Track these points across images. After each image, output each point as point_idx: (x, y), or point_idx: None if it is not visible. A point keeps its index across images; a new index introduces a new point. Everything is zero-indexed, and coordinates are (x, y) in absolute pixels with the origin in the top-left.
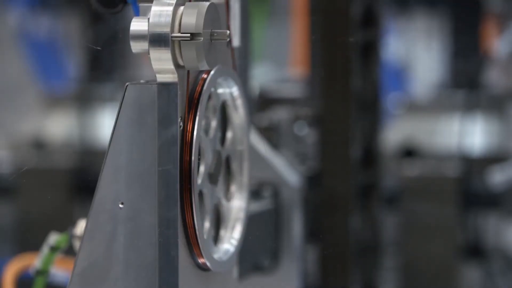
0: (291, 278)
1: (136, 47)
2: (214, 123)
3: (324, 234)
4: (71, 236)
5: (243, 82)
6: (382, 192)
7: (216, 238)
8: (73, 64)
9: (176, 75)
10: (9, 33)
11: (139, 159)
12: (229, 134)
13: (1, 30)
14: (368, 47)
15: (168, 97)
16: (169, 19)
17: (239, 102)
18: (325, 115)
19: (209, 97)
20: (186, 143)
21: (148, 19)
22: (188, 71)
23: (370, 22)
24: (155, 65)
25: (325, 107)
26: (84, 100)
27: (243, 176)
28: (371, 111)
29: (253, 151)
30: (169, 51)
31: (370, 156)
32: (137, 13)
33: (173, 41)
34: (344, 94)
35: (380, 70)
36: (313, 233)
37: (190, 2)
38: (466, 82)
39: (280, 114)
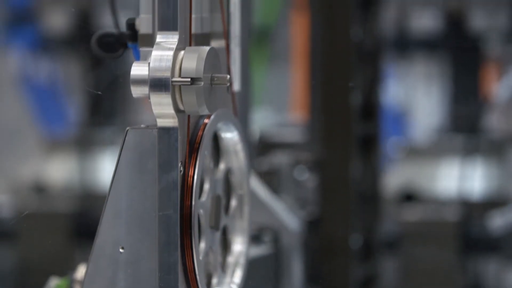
0: None
1: (137, 91)
2: (214, 167)
3: (324, 279)
4: (72, 281)
5: (244, 126)
6: (382, 236)
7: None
8: (74, 108)
9: (176, 120)
10: (10, 77)
11: (140, 203)
12: (230, 179)
13: (2, 74)
14: (367, 90)
15: (169, 142)
16: (170, 63)
17: (240, 146)
18: (325, 160)
19: (210, 142)
20: (186, 188)
21: (149, 63)
22: (189, 116)
23: (369, 65)
24: (156, 110)
25: (325, 152)
26: (84, 144)
27: (243, 221)
28: (371, 156)
29: (253, 195)
30: (170, 96)
31: (370, 200)
32: (138, 58)
33: (173, 86)
34: (344, 139)
35: (380, 113)
36: (313, 278)
37: (190, 47)
38: (465, 127)
39: (280, 159)
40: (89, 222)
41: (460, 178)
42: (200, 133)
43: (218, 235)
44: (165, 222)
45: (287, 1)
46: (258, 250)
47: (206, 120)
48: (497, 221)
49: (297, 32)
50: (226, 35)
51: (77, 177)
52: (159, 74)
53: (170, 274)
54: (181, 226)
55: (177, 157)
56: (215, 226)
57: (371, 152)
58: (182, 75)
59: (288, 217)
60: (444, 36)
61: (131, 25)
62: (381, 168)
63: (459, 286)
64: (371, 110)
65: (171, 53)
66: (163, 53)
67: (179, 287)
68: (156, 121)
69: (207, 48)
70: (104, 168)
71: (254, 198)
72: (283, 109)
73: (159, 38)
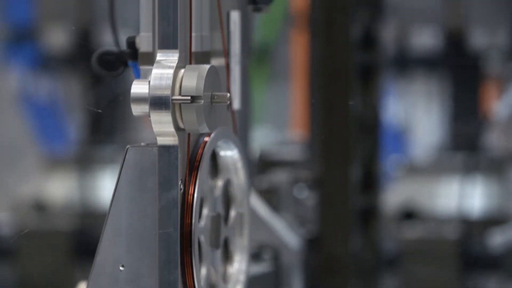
0: None
1: (137, 109)
2: (214, 186)
3: None
4: None
5: (244, 144)
6: (381, 255)
7: None
8: (74, 126)
9: (176, 138)
10: (10, 94)
11: (140, 221)
12: (230, 196)
13: (2, 92)
14: (367, 110)
15: (169, 160)
16: (170, 81)
17: (240, 164)
18: (325, 178)
19: (210, 160)
20: (186, 206)
21: (149, 81)
22: (189, 134)
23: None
24: (156, 128)
25: (325, 170)
26: (84, 162)
27: (243, 238)
28: (370, 174)
29: (253, 213)
30: (170, 114)
31: (370, 218)
32: (138, 76)
33: (173, 104)
34: (344, 157)
35: (380, 132)
36: None
37: (190, 65)
38: (465, 145)
39: (280, 177)
40: (89, 240)
41: (460, 196)
42: (200, 151)
43: (218, 253)
44: (165, 240)
45: (287, 20)
46: (258, 268)
47: (206, 138)
48: (497, 239)
49: (297, 51)
50: (226, 53)
51: (77, 195)
52: (159, 92)
53: None
54: (181, 244)
55: (177, 175)
56: (215, 245)
57: (371, 170)
58: (182, 93)
59: (288, 235)
60: (444, 54)
61: (131, 43)
62: (381, 185)
63: None
64: (371, 128)
65: (171, 71)
66: (163, 71)
67: None
68: (156, 139)
69: (207, 67)
70: (104, 186)
71: (254, 216)
72: (283, 127)
73: (159, 56)
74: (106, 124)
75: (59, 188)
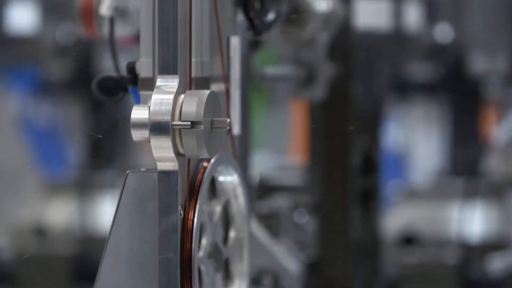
0: None
1: (137, 135)
2: (214, 211)
3: None
4: None
5: (243, 169)
6: (382, 279)
7: None
8: (74, 151)
9: (176, 163)
10: (10, 119)
11: (140, 246)
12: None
13: (2, 117)
14: (366, 134)
15: (169, 185)
16: (170, 107)
17: (239, 190)
18: (325, 203)
19: (210, 185)
20: (186, 231)
21: (149, 107)
22: (189, 159)
23: (370, 114)
24: (156, 153)
25: (325, 195)
26: (84, 187)
27: (243, 264)
28: (371, 200)
29: (253, 238)
30: (170, 139)
31: (370, 244)
32: (138, 101)
33: (173, 129)
34: (344, 182)
35: (380, 159)
36: None
37: (190, 90)
38: (465, 170)
39: (280, 202)
40: (89, 265)
41: (460, 221)
42: (200, 176)
43: (218, 276)
44: (165, 266)
45: None
46: None
47: (206, 164)
48: (497, 264)
49: None
50: (226, 78)
51: (77, 220)
52: (159, 118)
53: None
54: (181, 269)
55: (177, 200)
56: (215, 269)
57: (371, 197)
58: (182, 119)
59: (288, 260)
60: (444, 79)
61: (131, 68)
62: (380, 211)
63: None
64: (371, 163)
65: (171, 96)
66: (163, 97)
67: None
68: (156, 164)
69: (207, 92)
70: (104, 211)
71: (254, 241)
72: (283, 153)
73: (159, 81)
74: (106, 149)
75: (59, 213)
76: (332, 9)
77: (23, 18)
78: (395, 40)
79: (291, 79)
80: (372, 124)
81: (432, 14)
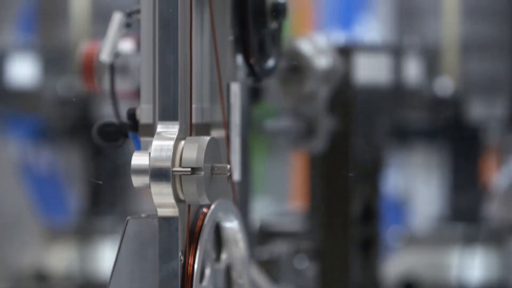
0: None
1: (137, 181)
2: (214, 256)
3: None
4: None
5: (244, 215)
6: None
7: None
8: (74, 197)
9: (177, 209)
10: (11, 165)
11: None
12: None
13: (3, 163)
14: (366, 183)
15: (169, 231)
16: (170, 153)
17: (239, 235)
18: (325, 249)
19: (210, 231)
20: (187, 277)
21: (149, 153)
22: (189, 205)
23: (370, 163)
24: (156, 199)
25: (325, 241)
26: (85, 233)
27: None
28: (371, 246)
29: (253, 284)
30: (170, 186)
31: None
32: (138, 147)
33: (174, 176)
34: (344, 229)
35: (380, 207)
36: None
37: (191, 137)
38: (465, 215)
39: (280, 248)
40: None
41: (460, 267)
42: (200, 222)
43: None
44: None
45: None
46: None
47: (205, 210)
48: None
49: None
50: (226, 125)
51: (78, 266)
52: (159, 164)
53: None
54: None
55: (177, 246)
56: None
57: (371, 242)
58: (182, 165)
59: None
60: (443, 126)
61: (131, 115)
62: (381, 257)
63: None
64: (371, 211)
65: (171, 143)
66: (163, 143)
67: None
68: (156, 210)
69: (207, 138)
70: (105, 257)
71: (254, 287)
72: (283, 198)
73: (159, 128)
74: (107, 195)
75: (60, 259)
76: (332, 65)
77: (24, 72)
78: (395, 94)
79: (291, 132)
80: (372, 173)
81: (432, 67)
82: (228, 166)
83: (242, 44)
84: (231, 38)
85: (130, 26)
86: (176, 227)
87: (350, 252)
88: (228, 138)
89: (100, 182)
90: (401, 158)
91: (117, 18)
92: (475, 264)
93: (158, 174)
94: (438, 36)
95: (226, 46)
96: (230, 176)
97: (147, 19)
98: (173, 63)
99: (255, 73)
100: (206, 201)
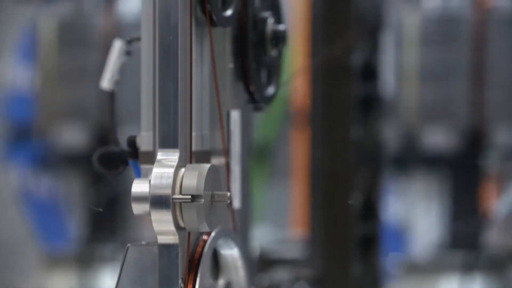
0: None
1: (138, 208)
2: (214, 284)
3: None
4: None
5: (244, 243)
6: None
7: None
8: (74, 224)
9: (177, 237)
10: (10, 192)
11: None
12: None
13: (2, 189)
14: (368, 206)
15: (169, 259)
16: (170, 181)
17: (240, 263)
18: (326, 276)
19: (210, 259)
20: None
21: (150, 181)
22: (189, 232)
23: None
24: (156, 227)
25: (326, 268)
26: (85, 260)
27: None
28: (371, 273)
29: None
30: (170, 213)
31: None
32: (138, 175)
33: (174, 203)
34: (345, 255)
35: (380, 229)
36: None
37: (191, 164)
38: (465, 243)
39: (280, 275)
40: None
41: None
42: (199, 249)
43: None
44: None
45: (287, 118)
46: None
47: (205, 237)
48: None
49: (297, 149)
50: (226, 152)
51: None
52: (159, 192)
53: None
54: None
55: (177, 273)
56: None
57: (371, 270)
58: (182, 193)
59: None
60: (444, 153)
61: (131, 142)
62: (381, 284)
63: None
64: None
65: (171, 170)
66: (164, 171)
67: None
68: (156, 237)
69: (207, 166)
70: (105, 284)
71: None
72: (283, 226)
73: (159, 155)
74: (107, 223)
75: (60, 286)
76: None
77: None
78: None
79: None
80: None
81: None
82: (228, 193)
83: (242, 72)
84: (231, 65)
85: (130, 53)
86: (176, 254)
87: (351, 280)
88: (228, 165)
89: (100, 209)
90: (401, 186)
91: (117, 45)
92: None
93: (158, 201)
94: None
95: (226, 74)
96: (230, 203)
97: (147, 47)
98: (173, 90)
99: (255, 100)
100: (206, 228)
